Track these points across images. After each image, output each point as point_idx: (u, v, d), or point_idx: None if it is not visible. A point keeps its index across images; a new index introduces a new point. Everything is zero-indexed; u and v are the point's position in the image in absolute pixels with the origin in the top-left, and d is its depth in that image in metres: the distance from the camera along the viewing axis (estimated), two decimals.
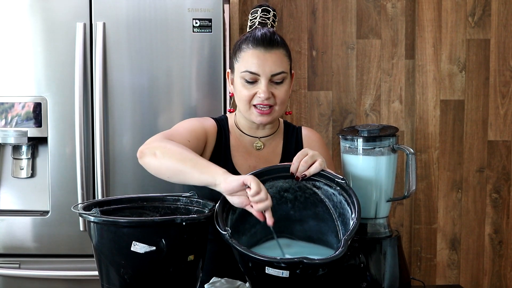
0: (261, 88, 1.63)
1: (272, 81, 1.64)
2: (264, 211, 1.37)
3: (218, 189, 1.42)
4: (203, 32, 2.35)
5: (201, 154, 1.70)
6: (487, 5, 2.87)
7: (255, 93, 1.64)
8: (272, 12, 1.72)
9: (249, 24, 1.73)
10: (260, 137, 1.76)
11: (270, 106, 1.65)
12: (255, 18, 1.71)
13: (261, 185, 1.37)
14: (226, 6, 2.37)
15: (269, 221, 1.37)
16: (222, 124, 1.77)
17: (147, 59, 2.36)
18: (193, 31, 2.35)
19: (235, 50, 1.70)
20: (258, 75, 1.63)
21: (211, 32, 2.35)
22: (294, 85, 2.89)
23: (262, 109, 1.65)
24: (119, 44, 2.35)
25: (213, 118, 1.79)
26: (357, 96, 2.92)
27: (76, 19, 2.33)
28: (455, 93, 2.90)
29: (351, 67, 2.91)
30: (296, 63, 2.89)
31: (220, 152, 1.73)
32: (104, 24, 2.33)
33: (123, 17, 2.35)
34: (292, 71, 1.74)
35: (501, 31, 2.88)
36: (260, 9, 1.72)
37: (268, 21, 1.70)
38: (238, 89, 1.67)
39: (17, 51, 2.36)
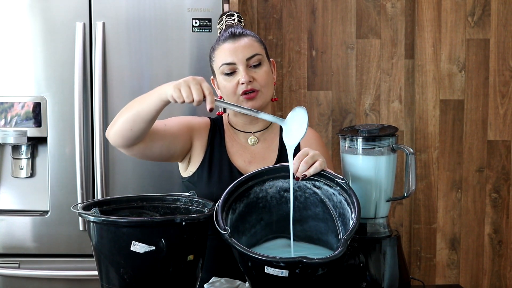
0: (241, 74, 1.70)
1: (250, 66, 1.71)
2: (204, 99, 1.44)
3: (170, 99, 1.47)
4: (202, 32, 2.35)
5: (190, 147, 1.77)
6: (486, 5, 2.87)
7: (237, 82, 1.70)
8: (236, 14, 1.82)
9: (218, 32, 1.83)
10: (254, 132, 1.80)
11: (256, 91, 1.71)
12: (222, 25, 1.82)
13: (182, 86, 1.44)
14: (226, 6, 2.37)
15: (207, 106, 1.44)
16: (217, 122, 1.83)
17: (147, 59, 2.36)
18: (192, 31, 2.35)
19: (210, 55, 1.78)
20: (234, 64, 1.71)
21: (211, 32, 2.35)
22: (294, 85, 2.89)
23: (248, 93, 1.70)
24: (119, 44, 2.35)
25: (209, 118, 1.85)
26: (356, 96, 2.92)
27: (75, 19, 2.33)
28: (454, 93, 2.90)
29: (350, 67, 2.91)
30: (296, 63, 2.89)
31: (215, 148, 1.77)
32: (103, 24, 2.33)
33: (122, 17, 2.35)
34: (271, 59, 1.81)
35: (500, 31, 2.88)
36: (225, 16, 1.83)
37: (233, 22, 1.80)
38: (222, 85, 1.74)
39: (17, 51, 2.36)
